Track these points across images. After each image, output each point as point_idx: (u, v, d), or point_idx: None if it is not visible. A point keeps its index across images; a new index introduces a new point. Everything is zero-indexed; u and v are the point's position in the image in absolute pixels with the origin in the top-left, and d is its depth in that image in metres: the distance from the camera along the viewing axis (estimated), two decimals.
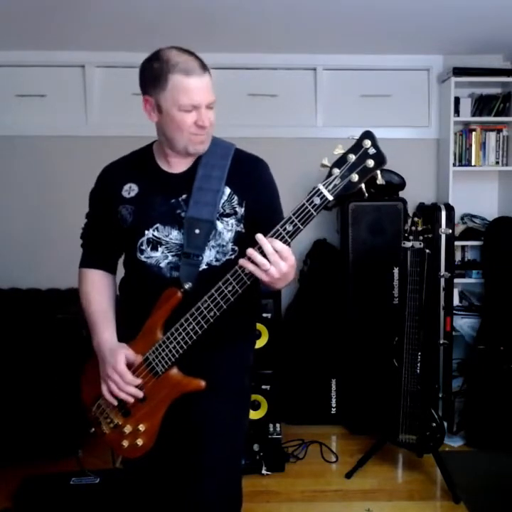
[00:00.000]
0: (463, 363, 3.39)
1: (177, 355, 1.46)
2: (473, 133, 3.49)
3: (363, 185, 1.30)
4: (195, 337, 1.43)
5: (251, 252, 1.31)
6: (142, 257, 1.53)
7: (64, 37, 3.17)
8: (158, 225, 1.52)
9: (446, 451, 2.95)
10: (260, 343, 2.93)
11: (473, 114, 3.51)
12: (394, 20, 2.93)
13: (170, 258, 1.51)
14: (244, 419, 1.70)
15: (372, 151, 1.27)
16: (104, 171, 1.65)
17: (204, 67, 1.45)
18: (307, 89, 3.60)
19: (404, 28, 3.06)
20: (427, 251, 2.71)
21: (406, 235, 2.69)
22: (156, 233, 1.52)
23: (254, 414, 2.93)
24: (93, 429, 1.61)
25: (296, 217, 1.31)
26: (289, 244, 1.33)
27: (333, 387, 3.38)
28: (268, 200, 1.59)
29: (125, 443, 1.54)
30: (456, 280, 3.31)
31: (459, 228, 3.51)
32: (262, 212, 1.54)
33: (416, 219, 2.68)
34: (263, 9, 2.76)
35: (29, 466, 2.70)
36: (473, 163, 3.50)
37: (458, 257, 3.56)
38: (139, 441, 1.53)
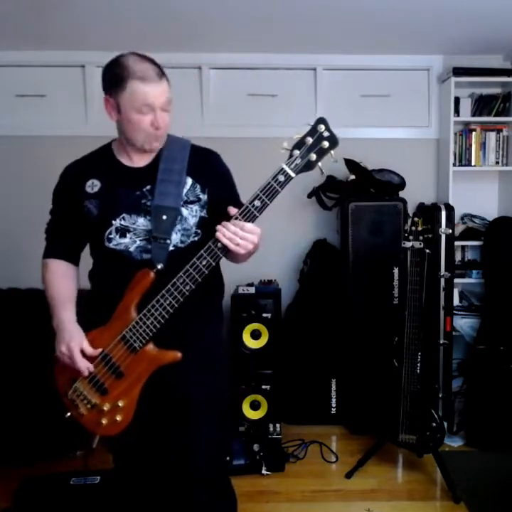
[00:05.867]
0: (463, 363, 3.39)
1: (155, 330, 1.56)
2: (473, 133, 3.49)
3: (319, 164, 1.50)
4: (172, 310, 1.54)
5: (223, 227, 1.49)
6: (111, 245, 1.64)
7: (64, 37, 3.17)
8: (124, 214, 1.64)
9: (446, 451, 2.95)
10: (260, 343, 2.93)
11: (473, 114, 3.51)
12: (394, 20, 2.93)
13: (138, 242, 1.63)
14: (225, 387, 1.83)
15: (326, 134, 1.48)
16: (66, 169, 1.77)
17: (161, 74, 1.58)
18: (307, 89, 3.60)
19: (405, 28, 3.06)
20: (427, 251, 2.71)
21: (406, 235, 2.69)
22: (123, 222, 1.64)
23: (254, 414, 2.93)
24: (69, 414, 1.67)
25: (264, 194, 1.49)
26: (255, 219, 1.51)
27: (333, 387, 3.38)
28: (228, 186, 1.76)
29: (104, 421, 1.61)
30: (456, 280, 3.31)
31: (459, 228, 3.51)
32: (223, 196, 1.68)
33: (416, 219, 2.68)
34: (263, 9, 2.75)
35: (29, 466, 2.71)
36: (473, 163, 3.50)
37: (458, 257, 3.56)
38: (118, 417, 1.60)
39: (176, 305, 1.54)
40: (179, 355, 1.57)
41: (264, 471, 2.82)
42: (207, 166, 1.72)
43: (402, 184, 3.32)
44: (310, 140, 1.48)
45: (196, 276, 1.53)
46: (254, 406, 2.93)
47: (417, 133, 3.64)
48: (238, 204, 1.56)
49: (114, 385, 1.61)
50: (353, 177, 3.34)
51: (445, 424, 2.89)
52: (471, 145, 3.49)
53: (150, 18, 2.85)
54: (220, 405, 1.77)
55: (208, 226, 1.65)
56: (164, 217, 1.61)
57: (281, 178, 1.49)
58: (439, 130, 3.62)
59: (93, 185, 1.67)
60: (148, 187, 1.64)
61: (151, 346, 1.58)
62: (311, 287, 3.39)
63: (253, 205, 1.49)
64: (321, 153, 1.49)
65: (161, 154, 1.68)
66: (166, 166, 1.66)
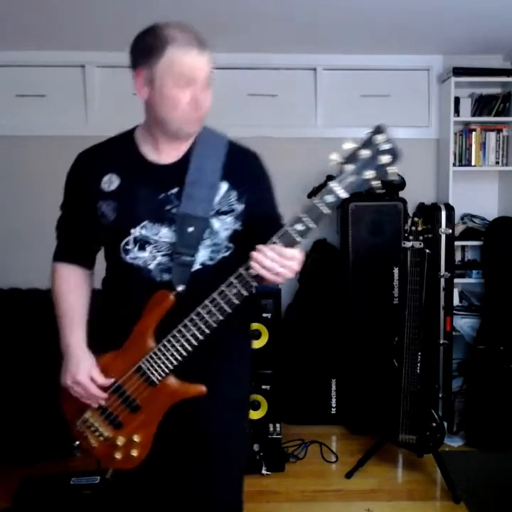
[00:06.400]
0: (463, 363, 3.39)
1: (175, 363, 1.37)
2: (473, 133, 3.49)
3: (376, 183, 1.24)
4: (196, 343, 1.35)
5: (259, 253, 1.24)
6: (127, 258, 1.41)
7: (64, 37, 3.17)
8: (145, 222, 1.39)
9: (446, 451, 2.94)
10: (260, 343, 2.93)
11: (473, 114, 3.51)
12: (394, 20, 2.93)
13: (159, 258, 1.40)
14: (245, 422, 1.66)
15: (385, 146, 1.21)
16: (79, 157, 1.51)
17: (204, 46, 1.34)
18: (307, 89, 3.60)
19: (405, 28, 3.06)
20: (427, 251, 2.71)
21: (406, 235, 2.70)
22: (143, 231, 1.39)
23: (254, 414, 2.93)
24: (77, 443, 1.52)
25: (307, 217, 1.25)
26: (297, 244, 1.27)
27: (333, 387, 3.38)
28: (268, 196, 1.51)
29: (118, 455, 1.45)
30: (456, 280, 3.31)
31: (459, 228, 3.51)
32: (262, 208, 1.46)
33: (416, 219, 2.68)
34: (263, 9, 2.75)
35: (29, 466, 2.70)
36: (473, 163, 3.50)
37: (458, 257, 3.56)
38: (134, 452, 1.44)
39: (201, 337, 1.33)
40: (204, 389, 1.39)
41: (264, 471, 2.82)
42: (246, 170, 1.45)
43: (402, 184, 3.32)
44: (366, 153, 1.21)
45: (225, 307, 1.31)
46: (254, 406, 2.93)
47: (417, 133, 3.63)
48: (276, 220, 1.39)
49: (129, 419, 1.43)
50: None
51: (445, 424, 2.89)
52: (471, 145, 3.49)
53: (150, 18, 2.85)
54: (241, 439, 1.61)
55: (241, 239, 1.44)
56: (190, 229, 1.36)
57: (330, 198, 1.23)
58: (439, 130, 3.62)
59: (110, 182, 1.41)
60: (174, 190, 1.38)
61: (171, 379, 1.40)
62: (311, 287, 3.39)
63: (294, 229, 1.25)
64: (379, 169, 1.21)
65: (193, 150, 1.41)
66: (198, 164, 1.40)
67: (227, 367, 1.51)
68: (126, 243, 1.41)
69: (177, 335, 1.35)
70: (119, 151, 1.46)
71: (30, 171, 3.52)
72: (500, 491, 2.64)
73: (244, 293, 1.31)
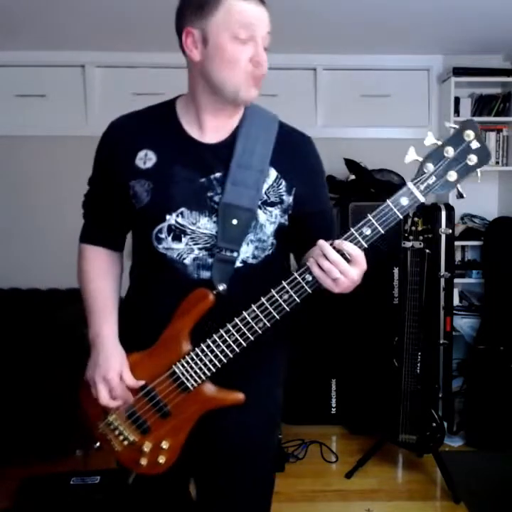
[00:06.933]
0: (463, 363, 3.39)
1: (214, 369, 1.25)
2: None
3: (459, 187, 1.12)
4: (238, 350, 1.23)
5: (319, 258, 1.11)
6: (160, 248, 1.26)
7: (64, 37, 3.17)
8: (183, 209, 1.23)
9: (446, 451, 2.94)
10: None
11: (473, 114, 3.50)
12: (394, 21, 2.93)
13: (196, 252, 1.24)
14: (275, 437, 1.54)
15: (475, 144, 1.07)
16: (111, 128, 1.34)
17: (263, 1, 1.21)
18: (307, 89, 3.60)
19: (404, 28, 3.06)
20: (427, 251, 2.71)
21: (406, 235, 2.69)
22: (180, 220, 1.23)
23: None
24: (98, 445, 1.41)
25: (377, 220, 1.13)
26: (363, 250, 1.15)
27: (333, 387, 3.37)
28: (320, 190, 1.35)
29: (143, 461, 1.34)
30: (456, 280, 3.30)
31: (459, 228, 3.51)
32: (312, 203, 1.30)
33: (416, 219, 2.68)
34: None
35: (29, 466, 2.70)
36: None
37: (458, 257, 3.56)
38: (161, 459, 1.33)
39: (244, 344, 1.21)
40: (242, 397, 1.28)
41: None
42: (298, 156, 1.29)
43: (402, 184, 3.31)
44: (451, 151, 1.08)
45: (273, 313, 1.18)
46: None
47: (417, 133, 3.62)
48: (329, 219, 1.25)
49: (158, 425, 1.32)
50: (353, 177, 3.34)
51: (445, 424, 2.89)
52: None
53: (150, 18, 2.85)
54: (270, 456, 1.46)
55: (286, 237, 1.30)
56: (234, 221, 1.21)
57: (405, 201, 1.10)
58: (439, 130, 3.61)
59: (146, 159, 1.25)
60: (218, 174, 1.23)
61: (208, 386, 1.28)
62: None
63: (361, 233, 1.12)
64: (465, 171, 1.09)
65: (241, 129, 1.26)
66: (246, 146, 1.24)
67: (261, 375, 1.40)
68: (160, 231, 1.25)
69: (218, 340, 1.23)
70: (158, 123, 1.29)
71: (30, 171, 3.53)
72: (500, 491, 2.64)
73: (297, 300, 1.18)
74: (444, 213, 3.18)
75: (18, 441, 2.81)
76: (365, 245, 1.13)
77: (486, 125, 3.50)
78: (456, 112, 3.46)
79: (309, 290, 1.17)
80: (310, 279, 1.15)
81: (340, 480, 2.81)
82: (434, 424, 2.68)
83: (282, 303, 1.18)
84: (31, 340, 2.89)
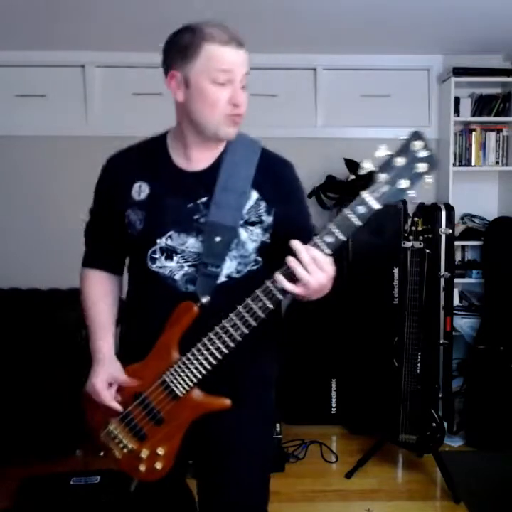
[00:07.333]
0: (463, 363, 3.39)
1: (199, 376, 1.34)
2: (473, 133, 3.49)
3: (411, 193, 1.18)
4: (220, 357, 1.31)
5: (292, 264, 1.18)
6: (154, 267, 1.39)
7: (64, 37, 3.17)
8: (171, 232, 1.36)
9: (446, 451, 2.94)
10: None
11: (473, 114, 3.50)
12: (394, 20, 2.93)
13: (186, 269, 1.36)
14: (270, 440, 1.60)
15: (423, 153, 1.16)
16: (110, 163, 1.46)
17: (241, 43, 1.34)
18: (307, 89, 3.59)
19: (405, 28, 3.06)
20: (427, 251, 2.71)
21: (406, 235, 2.70)
22: (169, 242, 1.36)
23: None
24: (102, 453, 1.50)
25: (337, 228, 1.19)
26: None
27: (333, 387, 3.38)
28: (299, 210, 1.45)
29: (142, 468, 1.43)
30: (456, 280, 3.31)
31: (459, 228, 3.51)
32: (291, 222, 1.39)
33: (416, 219, 2.68)
34: (262, 9, 2.75)
35: (29, 466, 2.70)
36: (473, 163, 3.50)
37: (458, 257, 3.56)
38: (158, 465, 1.41)
39: (226, 351, 1.30)
40: (228, 402, 1.36)
41: None
42: (278, 180, 1.40)
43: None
44: (402, 161, 1.16)
45: (250, 321, 1.27)
46: None
47: None
48: (308, 233, 1.29)
49: (153, 431, 1.41)
50: (353, 177, 3.34)
51: (445, 424, 2.89)
52: (471, 145, 3.49)
53: (150, 18, 2.85)
54: (264, 455, 1.54)
55: (269, 253, 1.40)
56: (217, 238, 1.32)
57: (362, 210, 1.17)
58: (439, 130, 3.61)
59: (141, 191, 1.38)
60: (203, 199, 1.35)
61: (196, 392, 1.37)
62: None
63: (323, 241, 1.20)
64: (415, 179, 1.16)
65: (224, 156, 1.37)
66: (229, 171, 1.35)
67: (249, 379, 1.46)
68: (153, 252, 1.38)
69: (201, 348, 1.32)
70: (151, 157, 1.42)
71: (30, 171, 3.53)
72: (500, 491, 2.64)
73: (270, 306, 1.27)
74: (444, 213, 3.18)
75: (18, 441, 2.81)
76: (327, 252, 1.20)
77: (486, 125, 3.50)
78: (456, 111, 3.45)
79: (281, 297, 1.25)
80: (280, 286, 1.23)
81: (340, 480, 2.81)
82: (434, 424, 2.68)
83: (257, 310, 1.26)
84: (31, 340, 2.89)
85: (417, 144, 1.16)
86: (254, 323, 1.28)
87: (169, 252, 1.37)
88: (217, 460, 1.46)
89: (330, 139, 3.47)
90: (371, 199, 1.16)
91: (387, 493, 2.69)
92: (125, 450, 1.44)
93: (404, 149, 1.17)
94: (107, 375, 1.41)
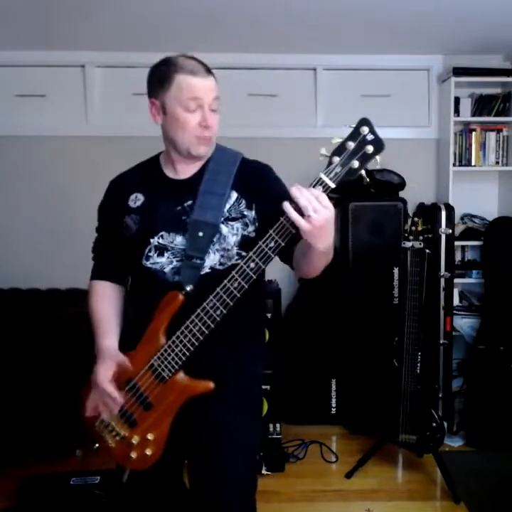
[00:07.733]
0: (463, 363, 3.39)
1: (184, 358, 1.44)
2: (473, 133, 3.49)
3: (363, 172, 1.32)
4: (201, 337, 1.41)
5: (295, 193, 1.25)
6: (148, 263, 1.54)
7: (64, 37, 3.17)
8: (162, 232, 1.53)
9: (446, 451, 2.95)
10: None
11: (473, 114, 3.51)
12: (394, 21, 2.93)
13: (174, 263, 1.51)
14: (258, 432, 1.68)
15: (370, 137, 1.31)
16: (111, 184, 1.67)
17: (209, 71, 1.52)
18: (307, 89, 3.60)
19: (404, 28, 3.06)
20: (427, 251, 2.71)
21: (406, 235, 2.70)
22: (161, 240, 1.53)
23: None
24: (97, 445, 1.56)
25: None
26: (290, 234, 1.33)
27: (333, 387, 3.38)
28: (279, 198, 1.46)
29: (133, 454, 1.49)
30: (456, 280, 3.31)
31: (459, 228, 3.51)
32: (275, 210, 1.42)
33: (416, 219, 2.69)
34: (263, 9, 2.76)
35: (29, 466, 2.71)
36: (473, 163, 3.50)
37: (458, 257, 3.56)
38: (148, 451, 1.48)
39: (207, 331, 1.41)
40: (211, 385, 1.44)
41: (264, 471, 2.82)
42: (255, 180, 1.56)
43: (402, 184, 3.32)
44: (351, 145, 1.30)
45: (227, 300, 1.38)
46: None
47: (416, 133, 3.63)
48: None
49: (143, 417, 1.49)
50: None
51: (445, 424, 2.89)
52: (471, 145, 3.49)
53: (150, 18, 2.85)
54: (249, 449, 1.59)
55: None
56: (200, 233, 1.48)
57: (320, 189, 1.28)
58: (439, 130, 3.62)
59: (136, 199, 1.57)
60: (189, 202, 1.52)
61: (181, 375, 1.45)
62: (311, 287, 3.39)
63: (288, 220, 1.29)
64: (365, 159, 1.30)
65: (207, 166, 1.55)
66: (211, 177, 1.53)
67: (237, 368, 1.55)
68: (148, 251, 1.53)
69: (184, 330, 1.42)
70: (146, 173, 1.62)
71: (30, 171, 3.53)
72: (500, 491, 2.64)
73: (245, 285, 1.38)
74: (444, 213, 3.18)
75: (18, 441, 2.81)
76: (293, 230, 1.31)
77: (486, 125, 3.50)
78: (456, 111, 3.46)
79: (254, 276, 1.36)
80: (253, 266, 1.36)
81: (340, 480, 2.81)
82: (434, 424, 2.69)
83: (233, 290, 1.38)
84: (31, 340, 2.89)
85: (365, 129, 1.32)
86: (231, 303, 1.39)
87: (161, 250, 1.53)
88: (204, 456, 1.53)
89: (330, 138, 3.47)
90: (327, 179, 1.30)
91: (387, 493, 2.69)
92: (117, 438, 1.51)
93: (354, 134, 1.32)
94: (105, 372, 1.49)
